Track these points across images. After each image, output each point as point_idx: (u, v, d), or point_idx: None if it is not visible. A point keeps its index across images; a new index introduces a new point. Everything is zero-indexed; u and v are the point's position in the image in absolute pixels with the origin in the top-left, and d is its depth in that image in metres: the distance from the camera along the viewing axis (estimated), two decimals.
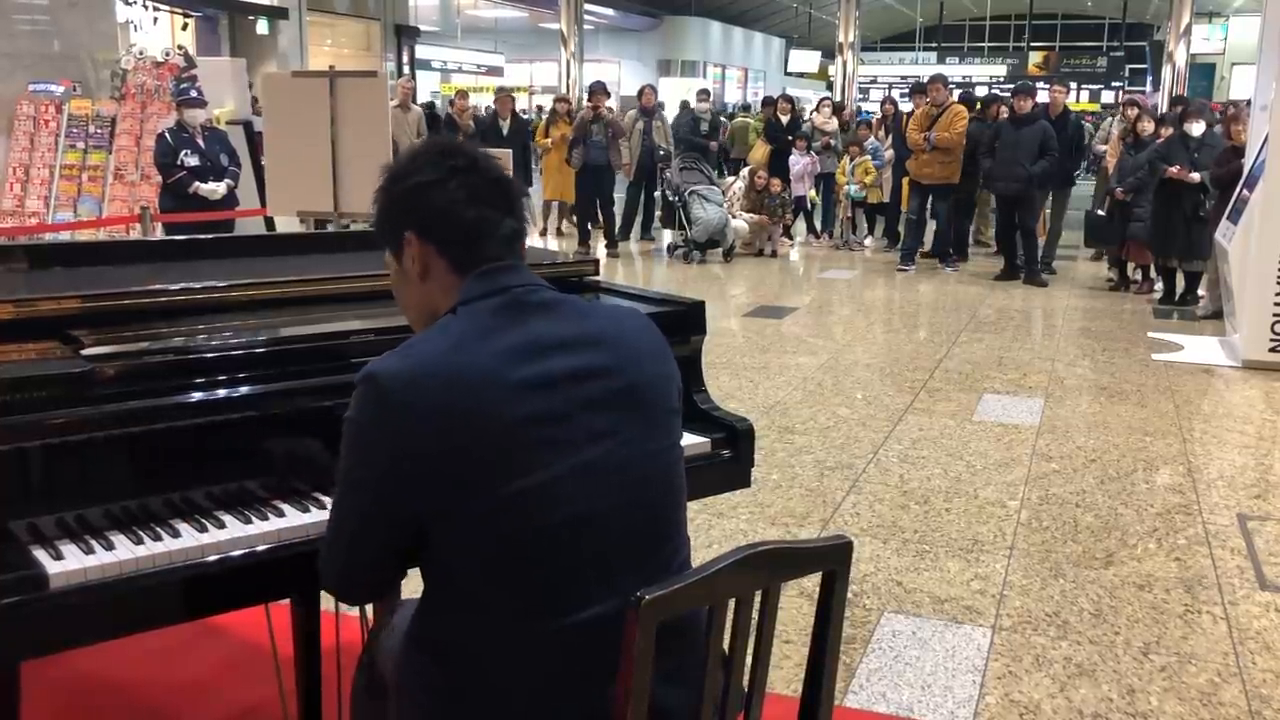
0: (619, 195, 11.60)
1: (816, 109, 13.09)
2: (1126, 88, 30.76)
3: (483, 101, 17.56)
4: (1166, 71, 19.64)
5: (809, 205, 12.47)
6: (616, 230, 11.34)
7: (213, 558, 1.71)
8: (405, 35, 24.60)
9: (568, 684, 1.45)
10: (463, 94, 13.44)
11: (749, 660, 1.53)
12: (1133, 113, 9.46)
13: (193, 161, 7.33)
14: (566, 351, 1.48)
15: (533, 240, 11.48)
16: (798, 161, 11.90)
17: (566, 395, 1.45)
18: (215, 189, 7.40)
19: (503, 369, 1.43)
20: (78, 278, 2.25)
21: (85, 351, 1.83)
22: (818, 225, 12.61)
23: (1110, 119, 10.65)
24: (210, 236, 3.16)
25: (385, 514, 1.46)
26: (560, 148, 11.94)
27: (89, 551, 1.64)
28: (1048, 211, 10.26)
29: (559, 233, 12.51)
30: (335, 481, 1.52)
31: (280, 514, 1.81)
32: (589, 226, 11.44)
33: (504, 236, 1.56)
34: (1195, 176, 8.21)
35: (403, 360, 1.44)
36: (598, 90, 11.33)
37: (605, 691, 1.41)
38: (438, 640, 1.50)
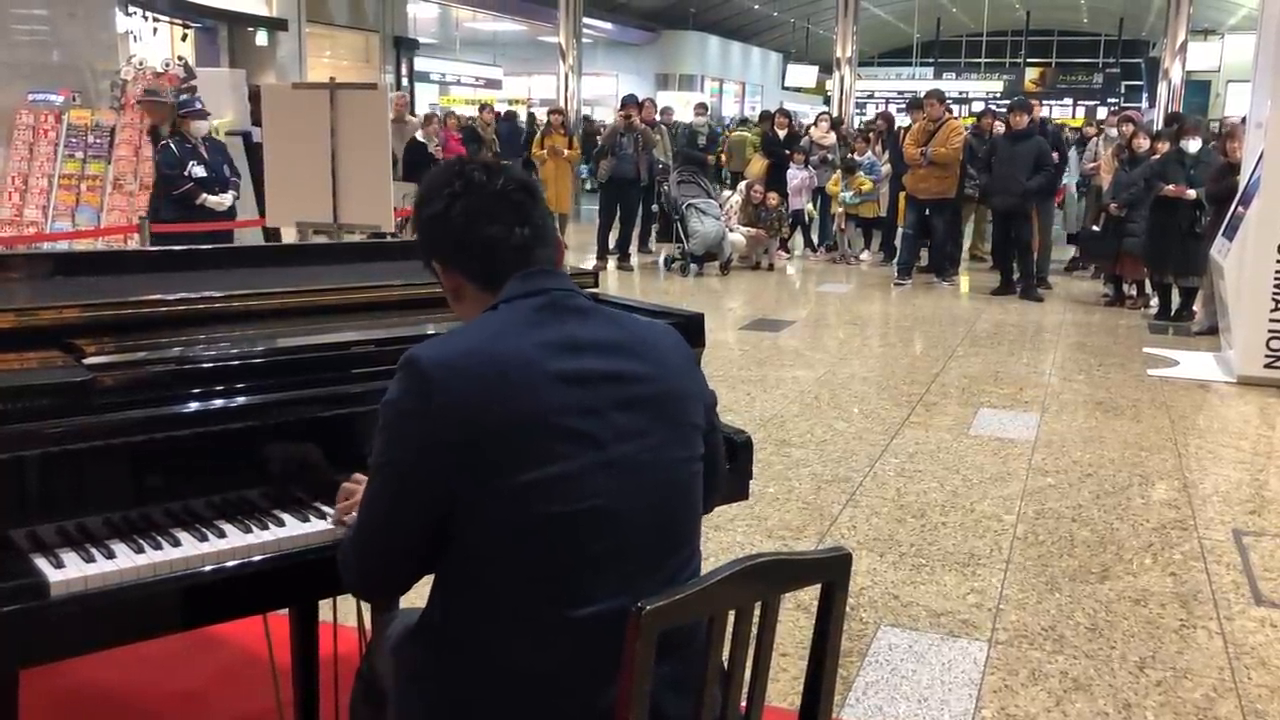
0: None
1: (814, 123, 13.13)
2: (1121, 104, 30.86)
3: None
4: (1162, 88, 19.71)
5: (806, 219, 12.50)
6: (628, 244, 11.26)
7: (212, 567, 1.71)
8: (404, 47, 24.66)
9: (573, 677, 1.47)
10: (487, 107, 13.58)
11: (748, 672, 1.53)
12: (1128, 129, 9.50)
13: (200, 172, 7.35)
14: (602, 353, 1.53)
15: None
16: (795, 175, 11.93)
17: (599, 392, 1.49)
18: (223, 200, 7.42)
19: (540, 359, 1.47)
20: (78, 287, 2.26)
21: (86, 360, 1.84)
22: (814, 239, 12.65)
23: (1096, 139, 10.68)
24: (210, 247, 3.17)
25: (419, 496, 1.48)
26: (554, 159, 11.95)
27: (89, 560, 1.65)
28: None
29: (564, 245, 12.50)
30: (368, 468, 1.55)
31: (280, 523, 1.82)
32: (609, 240, 11.24)
33: (515, 247, 1.60)
34: (1192, 194, 8.24)
35: (444, 346, 1.49)
36: (629, 102, 11.27)
37: (609, 689, 1.43)
38: (446, 627, 1.53)
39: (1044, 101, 11.65)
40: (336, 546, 1.73)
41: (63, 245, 8.06)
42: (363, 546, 1.56)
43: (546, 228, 1.65)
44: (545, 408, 1.45)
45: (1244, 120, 8.39)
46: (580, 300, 1.59)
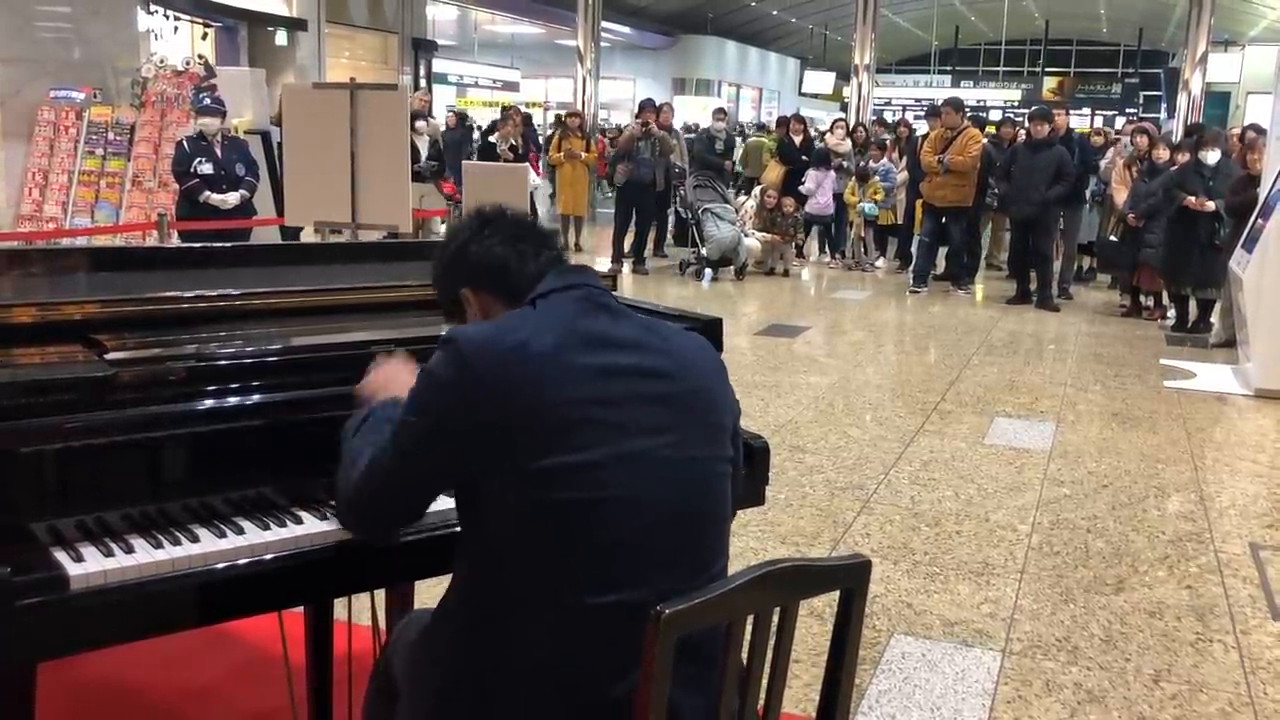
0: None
1: (830, 130, 13.11)
2: (1140, 114, 30.72)
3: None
4: (1181, 99, 19.62)
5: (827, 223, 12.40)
6: (643, 249, 11.26)
7: (229, 564, 1.71)
8: (423, 49, 24.72)
9: (587, 665, 1.47)
10: (516, 110, 13.64)
11: (764, 678, 1.53)
12: (1142, 141, 9.43)
13: (206, 170, 7.38)
14: (633, 350, 1.57)
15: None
16: (812, 175, 11.84)
17: (626, 386, 1.53)
18: (226, 199, 7.44)
19: (570, 350, 1.51)
20: (100, 283, 2.27)
21: (108, 356, 1.84)
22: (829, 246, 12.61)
23: (1110, 151, 10.64)
24: (230, 245, 3.19)
25: (425, 462, 1.55)
26: (571, 162, 11.97)
27: (108, 554, 1.65)
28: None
29: (576, 248, 12.50)
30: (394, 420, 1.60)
31: (299, 521, 1.82)
32: (624, 244, 11.22)
33: (544, 264, 1.68)
34: (1212, 205, 8.20)
35: (483, 330, 1.56)
36: (646, 107, 11.26)
37: (624, 679, 1.45)
38: (463, 610, 1.55)
39: (1068, 110, 11.57)
40: (354, 546, 1.75)
41: (81, 241, 8.11)
42: (361, 483, 1.62)
43: (564, 260, 1.73)
44: (572, 397, 1.48)
45: (1263, 132, 8.36)
46: (611, 299, 1.63)
